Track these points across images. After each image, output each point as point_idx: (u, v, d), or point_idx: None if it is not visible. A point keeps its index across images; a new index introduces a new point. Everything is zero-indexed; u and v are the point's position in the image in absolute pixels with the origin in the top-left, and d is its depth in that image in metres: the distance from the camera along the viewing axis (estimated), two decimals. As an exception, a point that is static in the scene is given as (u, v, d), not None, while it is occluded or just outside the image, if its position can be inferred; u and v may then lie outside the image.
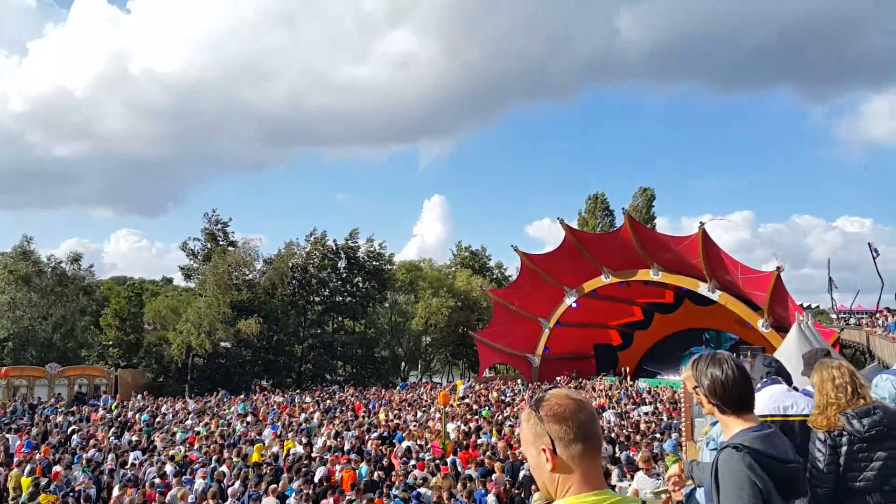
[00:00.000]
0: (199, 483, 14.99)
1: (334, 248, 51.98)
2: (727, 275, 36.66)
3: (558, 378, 40.79)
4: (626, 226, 38.86)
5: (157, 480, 15.20)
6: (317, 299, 51.73)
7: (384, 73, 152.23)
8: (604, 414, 25.53)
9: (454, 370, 60.29)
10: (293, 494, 13.70)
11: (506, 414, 25.54)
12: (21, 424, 24.28)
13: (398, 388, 41.86)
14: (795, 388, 5.15)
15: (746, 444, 2.68)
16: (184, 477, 15.58)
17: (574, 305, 43.93)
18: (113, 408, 30.43)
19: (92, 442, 19.61)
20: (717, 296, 38.04)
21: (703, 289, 38.42)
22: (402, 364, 56.59)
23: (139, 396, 33.11)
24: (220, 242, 47.70)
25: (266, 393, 37.43)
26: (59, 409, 28.29)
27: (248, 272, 47.20)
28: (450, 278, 58.01)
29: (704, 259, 36.25)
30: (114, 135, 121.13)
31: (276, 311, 47.51)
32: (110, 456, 18.01)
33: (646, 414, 25.18)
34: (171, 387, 42.20)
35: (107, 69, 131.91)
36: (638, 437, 18.94)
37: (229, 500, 13.77)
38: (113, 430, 23.05)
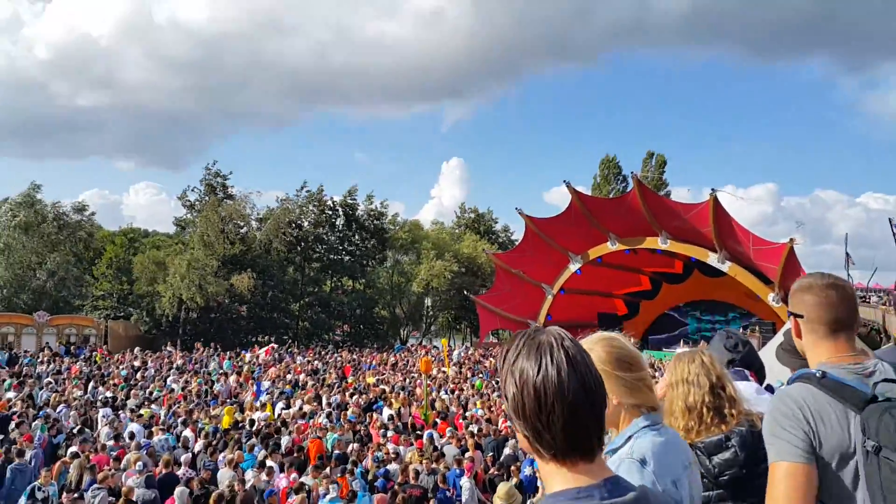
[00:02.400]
0: (158, 444, 14.13)
1: (332, 205, 50.63)
2: (738, 245, 35.20)
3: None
4: (634, 191, 37.35)
5: (112, 443, 14.23)
6: (314, 255, 50.57)
7: (411, 30, 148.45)
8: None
9: (456, 334, 59.29)
10: (251, 467, 12.61)
11: (496, 384, 24.45)
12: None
13: (394, 349, 40.93)
14: (769, 388, 3.59)
15: None
16: (143, 440, 14.60)
17: (578, 272, 42.60)
18: (98, 359, 29.62)
19: (55, 397, 18.54)
20: (726, 267, 36.66)
21: (712, 259, 37.05)
22: (403, 325, 55.62)
23: (135, 351, 31.39)
24: (218, 195, 46.36)
25: (256, 349, 36.25)
26: (41, 361, 27.42)
27: (242, 225, 45.94)
28: (456, 242, 56.42)
29: (715, 228, 34.80)
30: (137, 86, 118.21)
31: (272, 266, 46.43)
32: (72, 414, 17.05)
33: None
34: (162, 340, 41.39)
35: (131, 16, 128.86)
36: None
37: (182, 467, 12.72)
38: (92, 384, 22.16)
